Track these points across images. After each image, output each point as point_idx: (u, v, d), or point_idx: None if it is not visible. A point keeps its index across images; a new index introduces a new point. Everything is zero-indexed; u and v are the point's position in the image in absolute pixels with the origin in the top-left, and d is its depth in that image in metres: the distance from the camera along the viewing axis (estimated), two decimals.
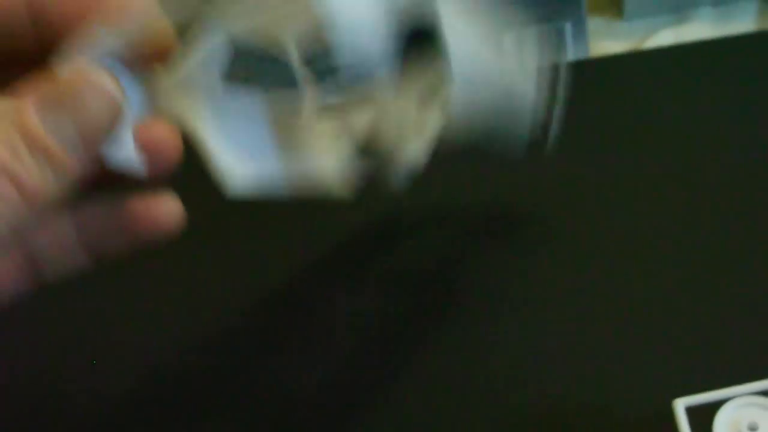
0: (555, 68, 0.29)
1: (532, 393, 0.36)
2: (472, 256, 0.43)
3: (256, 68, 0.33)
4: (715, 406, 0.30)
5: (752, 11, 0.57)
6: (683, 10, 0.58)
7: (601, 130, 0.50)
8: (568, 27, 0.55)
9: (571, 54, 0.56)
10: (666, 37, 0.57)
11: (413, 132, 0.33)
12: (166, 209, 0.30)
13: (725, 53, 0.55)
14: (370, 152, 0.33)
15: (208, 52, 0.30)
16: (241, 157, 0.30)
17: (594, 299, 0.40)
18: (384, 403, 0.38)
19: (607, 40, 0.58)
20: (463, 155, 0.36)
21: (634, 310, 0.39)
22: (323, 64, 0.35)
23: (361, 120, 0.33)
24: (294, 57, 0.32)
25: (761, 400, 0.30)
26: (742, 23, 0.57)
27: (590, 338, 0.38)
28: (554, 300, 0.40)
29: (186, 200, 0.29)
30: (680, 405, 0.31)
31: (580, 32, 0.55)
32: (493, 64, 0.30)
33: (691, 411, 0.30)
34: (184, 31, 0.30)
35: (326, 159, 0.31)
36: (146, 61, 0.29)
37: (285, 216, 0.45)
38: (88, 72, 0.26)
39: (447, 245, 0.44)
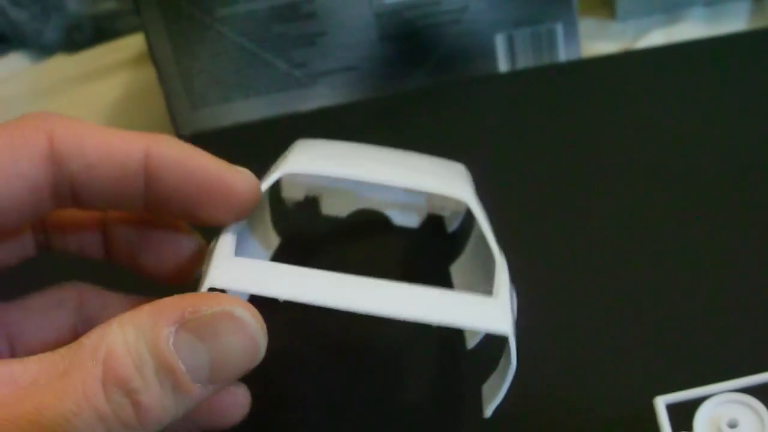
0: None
1: (514, 394, 0.36)
2: (457, 254, 0.43)
3: None
4: (695, 404, 0.30)
5: (744, 10, 0.57)
6: (675, 10, 0.58)
7: (593, 130, 0.50)
8: (559, 28, 0.55)
9: (563, 55, 0.56)
10: (658, 37, 0.57)
11: None
12: (236, 401, 0.31)
13: (717, 52, 0.55)
14: None
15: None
16: None
17: (575, 298, 0.40)
18: (366, 402, 0.38)
19: (599, 40, 0.58)
20: None
21: (615, 309, 0.39)
22: None
23: None
24: None
25: (741, 397, 0.30)
26: (734, 22, 0.57)
27: (571, 337, 0.38)
28: (536, 300, 0.40)
29: None
30: (661, 402, 0.30)
31: (572, 33, 0.55)
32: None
33: (671, 408, 0.30)
34: None
35: None
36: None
37: None
38: (234, 308, 0.25)
39: (433, 243, 0.44)
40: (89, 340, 0.24)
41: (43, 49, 0.67)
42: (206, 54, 0.54)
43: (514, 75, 0.56)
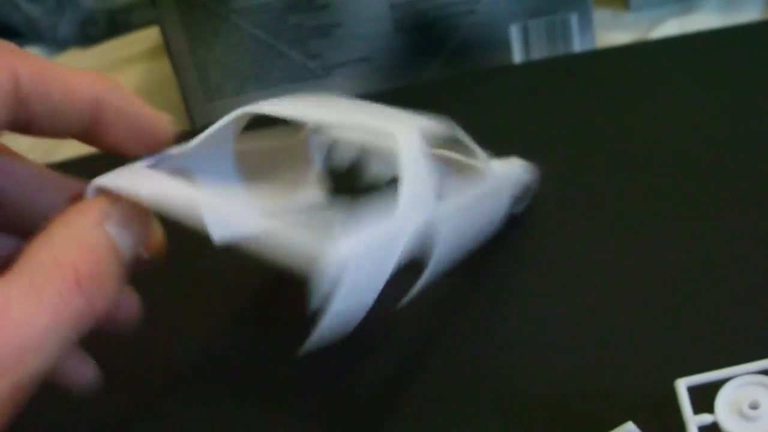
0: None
1: (536, 380, 0.36)
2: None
3: None
4: (716, 386, 0.30)
5: (759, 0, 0.57)
6: None
7: (608, 121, 0.50)
8: (574, 18, 0.55)
9: (578, 45, 0.56)
10: (672, 27, 0.57)
11: None
12: (126, 310, 0.34)
13: (732, 42, 0.55)
14: None
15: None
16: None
17: (594, 284, 0.40)
18: (389, 394, 0.38)
19: (614, 31, 0.58)
20: None
21: (635, 294, 0.39)
22: None
23: None
24: None
25: (763, 379, 0.30)
26: (748, 12, 0.57)
27: (591, 323, 0.38)
28: (555, 286, 0.40)
29: None
30: (682, 385, 0.30)
31: (587, 24, 0.55)
32: None
33: (692, 391, 0.30)
34: None
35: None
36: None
37: None
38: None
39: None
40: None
41: (57, 44, 0.68)
42: (221, 46, 0.55)
43: (529, 66, 0.56)
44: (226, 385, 0.40)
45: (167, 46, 0.55)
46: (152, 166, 0.32)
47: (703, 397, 0.30)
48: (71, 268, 0.26)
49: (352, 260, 0.30)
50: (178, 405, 0.39)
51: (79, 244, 0.27)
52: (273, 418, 0.38)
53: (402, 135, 0.34)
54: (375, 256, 0.31)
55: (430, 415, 0.36)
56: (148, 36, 0.66)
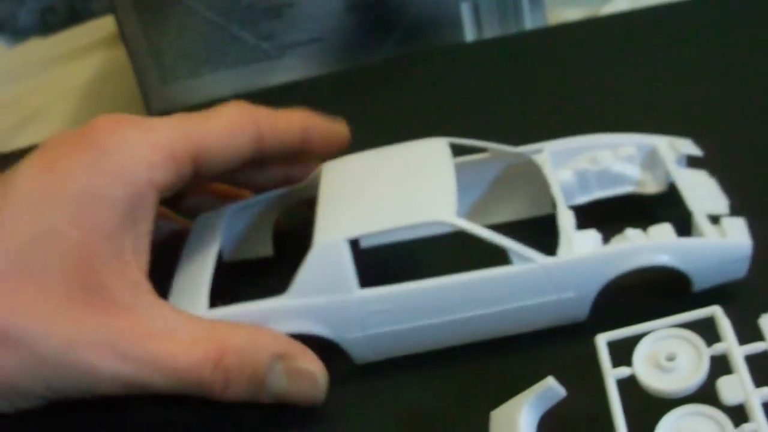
0: None
1: (468, 347, 0.37)
2: None
3: None
4: (635, 341, 0.30)
5: None
6: None
7: (558, 98, 0.50)
8: None
9: (529, 22, 0.56)
10: (623, 2, 0.57)
11: None
12: None
13: (682, 17, 0.55)
14: None
15: None
16: None
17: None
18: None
19: (565, 7, 0.58)
20: None
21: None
22: None
23: None
24: None
25: (680, 332, 0.30)
26: None
27: None
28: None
29: None
30: (602, 340, 0.31)
31: (537, 0, 0.56)
32: None
33: (612, 346, 0.31)
34: None
35: None
36: None
37: None
38: (319, 374, 0.35)
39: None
40: (218, 331, 0.34)
41: (17, 33, 0.68)
42: (175, 28, 0.55)
43: (481, 44, 0.56)
44: None
45: (121, 31, 0.55)
46: None
47: (623, 351, 0.30)
48: (218, 353, 0.34)
49: None
50: None
51: (241, 348, 0.35)
52: None
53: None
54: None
55: (376, 379, 0.37)
56: (107, 23, 0.66)
